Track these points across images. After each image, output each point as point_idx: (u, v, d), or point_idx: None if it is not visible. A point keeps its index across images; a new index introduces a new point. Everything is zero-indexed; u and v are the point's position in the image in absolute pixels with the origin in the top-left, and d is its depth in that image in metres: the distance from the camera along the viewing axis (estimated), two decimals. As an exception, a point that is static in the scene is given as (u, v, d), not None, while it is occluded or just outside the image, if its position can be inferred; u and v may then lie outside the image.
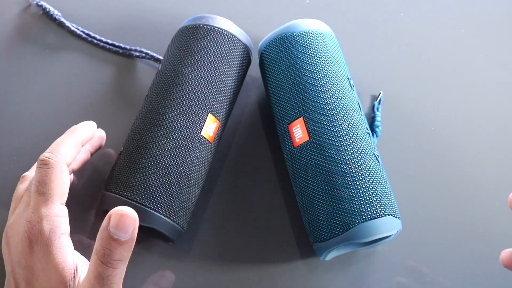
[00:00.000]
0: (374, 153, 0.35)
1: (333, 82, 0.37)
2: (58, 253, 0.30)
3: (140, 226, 0.35)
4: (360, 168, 0.34)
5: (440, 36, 0.48)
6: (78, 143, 0.34)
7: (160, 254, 0.38)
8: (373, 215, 0.33)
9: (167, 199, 0.34)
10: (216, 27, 0.38)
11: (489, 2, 0.50)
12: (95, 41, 0.45)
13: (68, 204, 0.32)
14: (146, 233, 0.38)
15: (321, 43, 0.38)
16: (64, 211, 0.31)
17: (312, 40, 0.38)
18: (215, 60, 0.37)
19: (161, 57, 0.43)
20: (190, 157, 0.35)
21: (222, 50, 0.38)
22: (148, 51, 0.44)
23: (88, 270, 0.29)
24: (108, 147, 0.41)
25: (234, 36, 0.39)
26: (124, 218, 0.28)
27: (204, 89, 0.36)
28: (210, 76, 0.37)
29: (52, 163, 0.31)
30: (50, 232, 0.30)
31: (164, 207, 0.34)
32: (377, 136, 0.42)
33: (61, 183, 0.31)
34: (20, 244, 0.30)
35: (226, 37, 0.38)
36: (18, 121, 0.42)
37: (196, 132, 0.35)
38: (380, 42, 0.48)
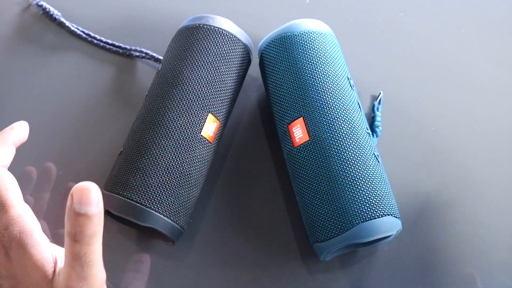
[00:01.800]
0: (374, 153, 0.35)
1: (333, 82, 0.37)
2: (34, 251, 0.30)
3: (140, 226, 0.36)
4: (360, 168, 0.34)
5: (440, 36, 0.48)
6: (8, 143, 0.33)
7: (160, 254, 0.38)
8: (373, 215, 0.33)
9: (167, 199, 0.34)
10: (216, 27, 0.38)
11: (489, 2, 0.50)
12: (95, 41, 0.45)
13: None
14: (146, 233, 0.38)
15: (321, 43, 0.38)
16: (26, 209, 0.31)
17: (312, 40, 0.38)
18: (215, 60, 0.37)
19: (161, 57, 0.43)
20: (190, 157, 0.35)
21: (222, 50, 0.38)
22: (148, 51, 0.44)
23: (65, 255, 0.29)
24: (108, 147, 0.41)
25: (234, 36, 0.39)
26: (87, 192, 0.28)
27: (204, 89, 0.36)
28: (210, 76, 0.37)
29: None
30: (20, 233, 0.29)
31: (164, 207, 0.34)
32: (377, 136, 0.42)
33: (8, 186, 0.30)
34: None
35: (226, 37, 0.38)
36: (18, 121, 0.42)
37: (196, 132, 0.35)
38: (380, 42, 0.48)
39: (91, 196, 0.28)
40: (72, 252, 0.28)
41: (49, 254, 0.30)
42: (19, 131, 0.34)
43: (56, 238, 0.37)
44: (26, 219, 0.30)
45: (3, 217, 0.30)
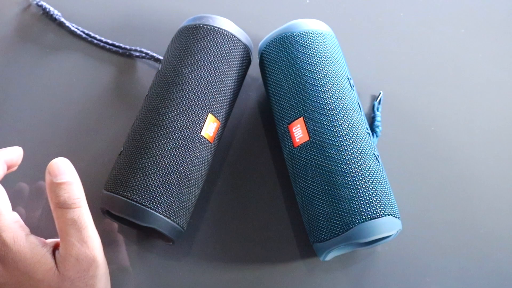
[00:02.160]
0: (374, 153, 0.35)
1: (333, 82, 0.37)
2: (31, 252, 0.30)
3: (140, 226, 0.36)
4: (360, 168, 0.34)
5: (440, 36, 0.48)
6: (1, 160, 0.33)
7: (160, 254, 0.38)
8: (373, 215, 0.33)
9: (167, 199, 0.34)
10: (216, 27, 0.38)
11: (489, 2, 0.50)
12: (95, 41, 0.45)
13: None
14: (146, 233, 0.38)
15: (321, 43, 0.38)
16: (15, 216, 0.32)
17: (312, 40, 0.38)
18: (215, 60, 0.37)
19: (161, 57, 0.43)
20: (190, 157, 0.35)
21: (222, 50, 0.38)
22: (148, 51, 0.44)
23: (59, 228, 0.31)
24: (108, 147, 0.41)
25: (234, 36, 0.39)
26: (58, 163, 0.31)
27: (204, 89, 0.36)
28: (210, 76, 0.37)
29: None
30: (13, 239, 0.30)
31: (164, 207, 0.34)
32: (377, 136, 0.42)
33: None
34: None
35: (226, 37, 0.38)
36: (18, 121, 0.42)
37: (196, 132, 0.35)
38: (380, 42, 0.48)
39: (65, 166, 0.31)
40: (65, 220, 0.30)
41: (46, 249, 0.31)
42: (13, 153, 0.35)
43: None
44: (17, 225, 0.31)
45: None
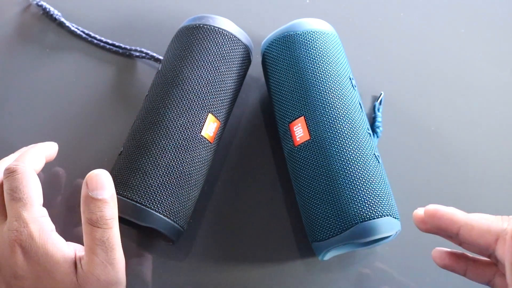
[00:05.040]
0: (374, 154, 0.35)
1: (335, 81, 0.37)
2: (55, 248, 0.30)
3: (140, 226, 0.36)
4: (360, 168, 0.34)
5: (440, 36, 0.48)
6: (41, 154, 0.34)
7: (160, 254, 0.38)
8: (373, 215, 0.33)
9: (167, 199, 0.34)
10: (216, 27, 0.38)
11: (489, 2, 0.50)
12: (95, 41, 0.45)
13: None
14: (146, 233, 0.38)
15: (323, 43, 0.38)
16: (45, 211, 0.31)
17: (314, 40, 0.38)
18: (215, 60, 0.37)
19: (161, 57, 0.43)
20: (190, 157, 0.35)
21: (222, 50, 0.38)
22: (148, 51, 0.44)
23: (86, 244, 0.30)
24: (108, 147, 0.41)
25: (234, 36, 0.39)
26: (100, 177, 0.30)
27: (204, 89, 0.36)
28: (210, 76, 0.37)
29: (20, 169, 0.31)
30: (40, 232, 0.30)
31: (164, 207, 0.34)
32: (377, 136, 0.42)
33: (34, 186, 0.31)
34: (11, 256, 0.29)
35: (226, 37, 0.38)
36: (18, 121, 0.42)
37: (196, 132, 0.35)
38: (380, 43, 0.48)
39: (105, 181, 0.30)
40: (94, 238, 0.29)
41: (69, 250, 0.31)
42: (52, 148, 0.36)
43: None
44: (46, 220, 0.31)
45: (25, 214, 0.30)
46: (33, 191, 0.31)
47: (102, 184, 0.30)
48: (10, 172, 0.31)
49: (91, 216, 0.29)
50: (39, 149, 0.34)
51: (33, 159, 0.33)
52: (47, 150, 0.35)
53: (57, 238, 0.31)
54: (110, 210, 0.30)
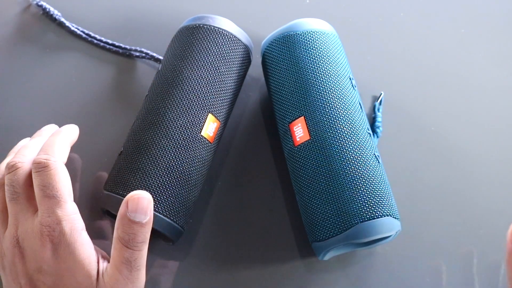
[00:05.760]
0: (374, 154, 0.35)
1: (335, 81, 0.37)
2: (82, 249, 0.30)
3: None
4: (360, 168, 0.34)
5: (440, 36, 0.48)
6: (67, 143, 0.34)
7: (160, 254, 0.38)
8: (372, 215, 0.33)
9: (167, 199, 0.34)
10: (216, 27, 0.38)
11: (489, 2, 0.50)
12: (95, 41, 0.45)
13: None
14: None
15: (323, 43, 0.38)
16: (76, 207, 0.31)
17: (314, 40, 0.38)
18: (215, 60, 0.37)
19: (161, 57, 0.43)
20: (190, 157, 0.35)
21: (222, 50, 0.38)
22: (148, 51, 0.44)
23: (113, 258, 0.30)
24: (108, 147, 0.41)
25: (234, 36, 0.39)
26: (142, 201, 0.29)
27: (204, 89, 0.36)
28: (210, 76, 0.37)
29: (52, 164, 0.31)
30: (71, 230, 0.30)
31: (164, 207, 0.34)
32: (377, 136, 0.42)
33: (66, 182, 0.31)
34: (40, 249, 0.30)
35: (226, 37, 0.38)
36: (18, 121, 0.42)
37: (196, 132, 0.35)
38: (380, 43, 0.48)
39: (146, 205, 0.29)
40: (122, 257, 0.29)
41: (94, 254, 0.31)
42: (74, 133, 0.35)
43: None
44: (78, 217, 0.31)
45: (58, 211, 0.30)
46: (66, 187, 0.31)
47: (142, 208, 0.29)
48: (42, 167, 0.31)
49: (124, 236, 0.29)
50: (65, 138, 0.34)
51: (62, 151, 0.33)
52: (71, 136, 0.35)
53: (86, 239, 0.31)
54: (144, 234, 0.29)
